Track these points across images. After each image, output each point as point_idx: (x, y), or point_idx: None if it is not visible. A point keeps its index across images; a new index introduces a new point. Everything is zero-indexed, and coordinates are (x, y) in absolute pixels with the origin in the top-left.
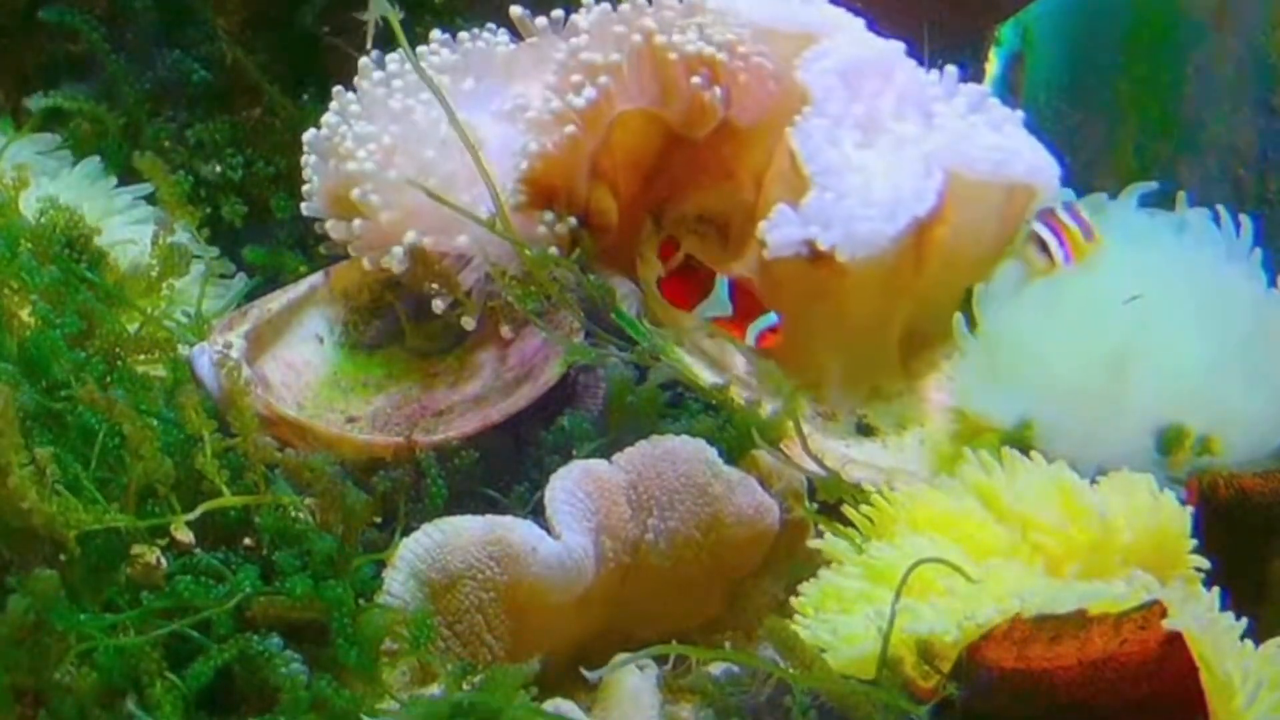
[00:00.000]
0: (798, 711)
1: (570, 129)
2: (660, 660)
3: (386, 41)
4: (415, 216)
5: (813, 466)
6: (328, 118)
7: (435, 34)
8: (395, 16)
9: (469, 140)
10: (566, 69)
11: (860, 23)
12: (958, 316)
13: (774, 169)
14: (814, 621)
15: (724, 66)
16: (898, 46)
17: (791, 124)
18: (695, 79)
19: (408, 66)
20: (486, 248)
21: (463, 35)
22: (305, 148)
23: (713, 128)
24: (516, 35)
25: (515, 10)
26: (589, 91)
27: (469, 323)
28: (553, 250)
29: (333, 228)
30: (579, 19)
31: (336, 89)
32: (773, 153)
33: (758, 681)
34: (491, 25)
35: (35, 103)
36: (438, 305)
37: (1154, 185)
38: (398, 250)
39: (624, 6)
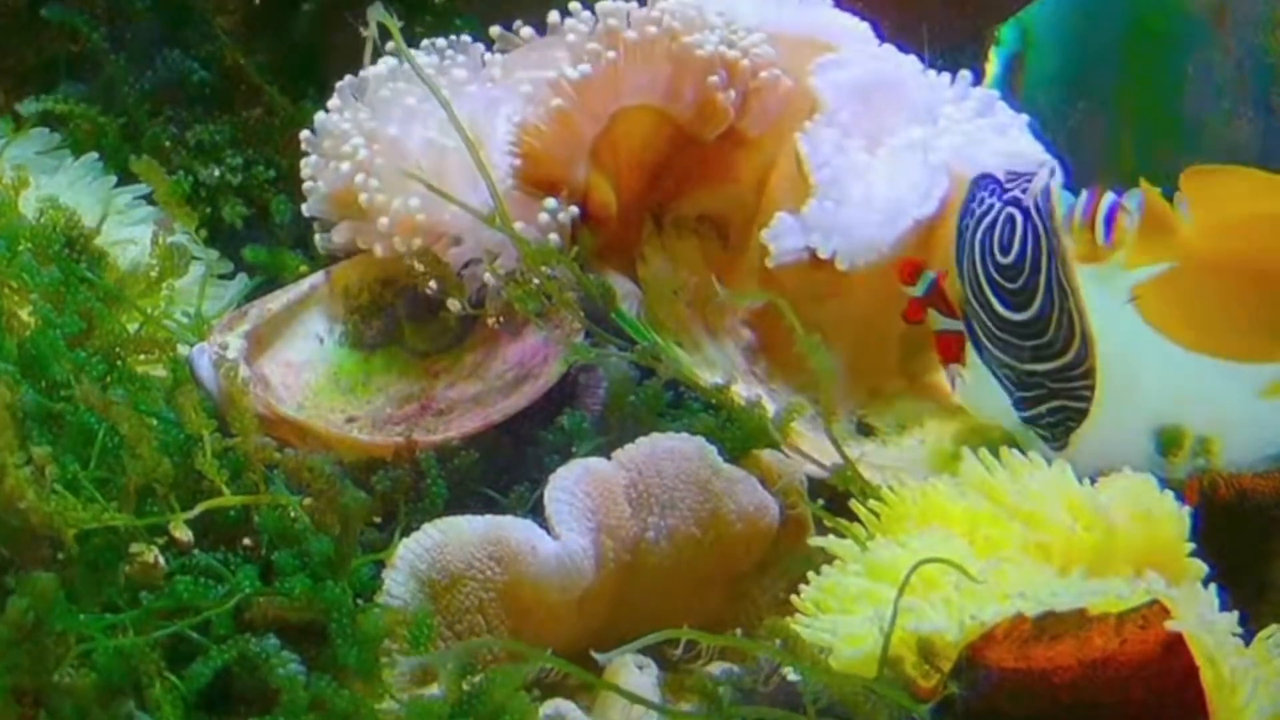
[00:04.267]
0: (808, 700)
1: (558, 101)
2: (660, 661)
3: (385, 41)
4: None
5: (831, 454)
6: (322, 117)
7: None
8: (394, 24)
9: (461, 127)
10: (582, 43)
11: (866, 28)
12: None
13: (779, 173)
14: (815, 621)
15: (743, 72)
16: (913, 63)
17: (799, 129)
18: (713, 78)
19: (405, 67)
20: (480, 234)
21: (441, 43)
22: (304, 146)
23: (722, 130)
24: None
25: (495, 30)
26: (584, 66)
27: (454, 304)
28: (553, 238)
29: (338, 231)
30: (574, 21)
31: (339, 85)
32: (777, 156)
33: (761, 679)
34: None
35: (27, 108)
36: (453, 304)
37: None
38: (383, 220)
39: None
